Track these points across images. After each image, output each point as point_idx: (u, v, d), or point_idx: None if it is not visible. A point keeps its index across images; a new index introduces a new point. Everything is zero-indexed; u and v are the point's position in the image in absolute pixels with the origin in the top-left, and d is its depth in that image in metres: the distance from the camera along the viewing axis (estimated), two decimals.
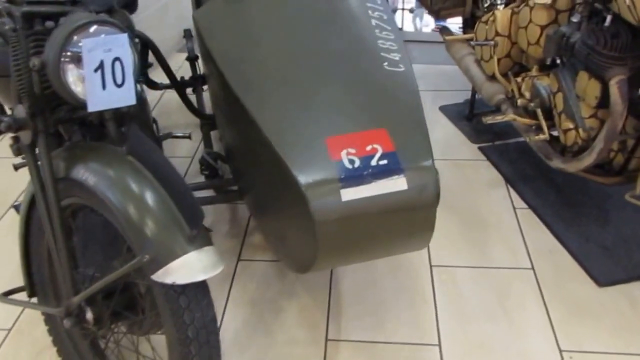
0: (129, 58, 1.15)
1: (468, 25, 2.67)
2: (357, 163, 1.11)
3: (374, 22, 1.49)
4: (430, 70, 3.28)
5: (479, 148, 2.59)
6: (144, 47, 2.17)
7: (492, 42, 2.22)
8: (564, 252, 1.97)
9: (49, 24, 1.18)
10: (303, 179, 1.10)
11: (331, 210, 1.09)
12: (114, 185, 1.14)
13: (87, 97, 1.12)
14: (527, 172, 2.38)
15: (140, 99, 2.11)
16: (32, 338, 1.72)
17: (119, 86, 1.15)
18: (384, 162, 1.12)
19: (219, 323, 1.78)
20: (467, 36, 2.55)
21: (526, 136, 2.14)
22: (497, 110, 2.35)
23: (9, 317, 1.79)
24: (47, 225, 1.24)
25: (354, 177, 1.10)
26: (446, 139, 2.67)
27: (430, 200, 1.13)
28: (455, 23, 2.98)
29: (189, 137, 2.21)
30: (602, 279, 1.83)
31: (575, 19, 1.81)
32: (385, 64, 1.33)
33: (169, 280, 1.06)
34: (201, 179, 2.01)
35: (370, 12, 1.53)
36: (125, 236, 1.13)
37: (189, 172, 2.50)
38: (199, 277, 1.07)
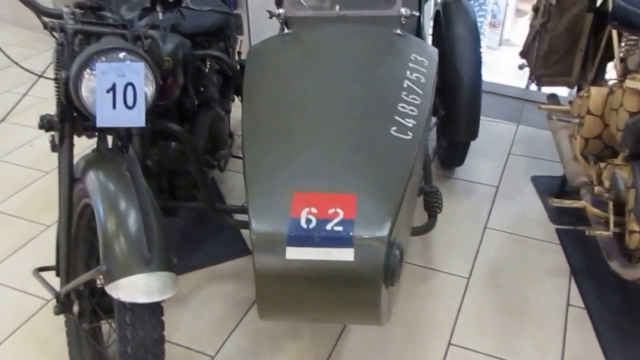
0: (141, 84, 1.26)
1: None
2: (313, 224, 1.09)
3: (406, 83, 1.45)
4: (536, 135, 3.05)
5: (557, 230, 2.36)
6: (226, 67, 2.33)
7: (576, 120, 2.02)
8: None
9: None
10: (256, 226, 1.11)
11: (273, 264, 1.09)
12: (103, 194, 1.24)
13: (97, 114, 1.25)
14: (598, 267, 2.11)
15: (218, 115, 2.27)
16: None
17: (130, 108, 1.27)
18: (339, 228, 1.08)
19: (221, 344, 1.83)
20: (563, 108, 2.35)
21: (595, 229, 1.91)
22: (577, 192, 2.14)
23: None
24: (59, 218, 1.39)
25: (304, 238, 1.09)
26: (524, 212, 2.47)
27: (374, 277, 1.07)
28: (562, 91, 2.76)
29: None
30: None
31: None
32: (394, 128, 1.29)
33: (115, 295, 1.13)
34: None
35: (408, 72, 1.50)
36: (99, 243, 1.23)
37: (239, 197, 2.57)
38: (141, 299, 1.12)
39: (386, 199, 1.13)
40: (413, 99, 1.40)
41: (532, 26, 2.63)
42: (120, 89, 1.24)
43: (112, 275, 1.14)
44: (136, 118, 1.28)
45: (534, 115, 3.24)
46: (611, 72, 2.41)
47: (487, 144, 2.95)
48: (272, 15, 1.76)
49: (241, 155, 2.32)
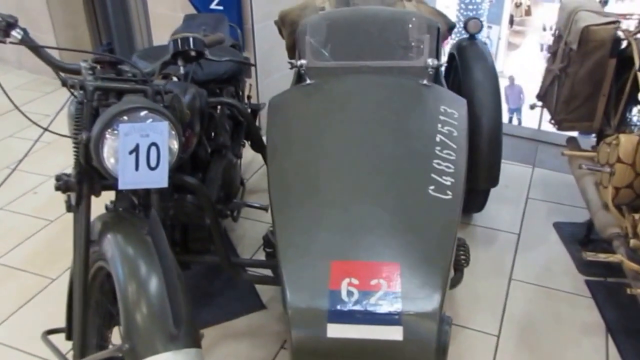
0: (165, 144, 1.18)
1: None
2: (355, 297, 1.00)
3: (439, 137, 1.38)
4: (556, 179, 2.97)
5: (586, 281, 2.25)
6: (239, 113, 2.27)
7: (607, 169, 1.95)
8: None
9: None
10: (292, 299, 1.02)
11: (313, 342, 0.99)
12: (123, 263, 1.15)
13: (119, 176, 1.17)
14: (636, 324, 2.00)
15: (231, 162, 2.19)
16: None
17: (152, 169, 1.19)
18: (384, 302, 0.99)
19: None
20: (589, 154, 2.28)
21: (635, 286, 1.82)
22: (608, 244, 2.05)
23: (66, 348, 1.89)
24: (74, 282, 1.30)
25: (347, 313, 0.99)
26: (550, 262, 2.37)
27: (426, 358, 0.97)
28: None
29: (265, 209, 2.21)
30: None
31: None
32: (432, 187, 1.21)
33: None
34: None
35: (440, 125, 1.43)
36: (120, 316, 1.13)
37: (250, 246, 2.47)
38: None
39: (432, 268, 1.04)
40: (448, 154, 1.33)
41: (549, 70, 2.59)
42: (144, 150, 1.17)
43: (135, 354, 1.05)
44: (159, 179, 1.20)
45: (549, 157, 3.18)
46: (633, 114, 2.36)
47: (504, 188, 2.87)
48: (293, 66, 1.70)
49: (255, 204, 2.26)
